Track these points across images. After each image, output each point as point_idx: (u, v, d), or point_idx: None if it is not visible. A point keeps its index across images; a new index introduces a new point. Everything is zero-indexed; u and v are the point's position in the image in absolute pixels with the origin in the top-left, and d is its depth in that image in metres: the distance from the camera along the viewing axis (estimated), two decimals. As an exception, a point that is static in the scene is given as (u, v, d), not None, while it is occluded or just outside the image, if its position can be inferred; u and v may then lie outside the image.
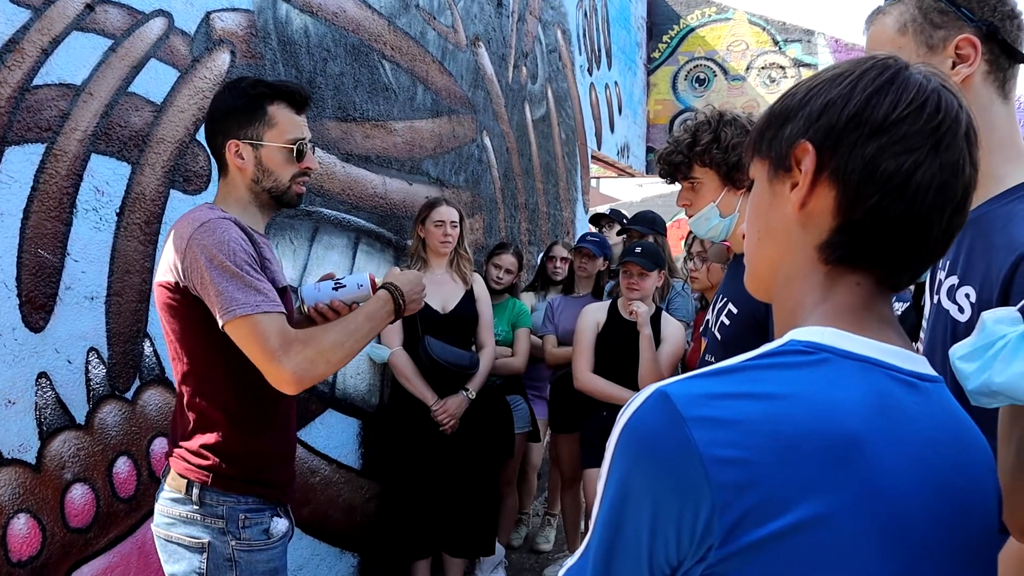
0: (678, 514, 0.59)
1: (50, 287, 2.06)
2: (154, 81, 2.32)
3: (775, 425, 0.60)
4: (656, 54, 7.76)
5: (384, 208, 3.33)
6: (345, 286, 1.81)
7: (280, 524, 1.73)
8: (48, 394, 2.06)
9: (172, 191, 2.38)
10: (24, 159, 2.00)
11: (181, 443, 1.69)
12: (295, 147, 1.74)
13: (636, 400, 0.64)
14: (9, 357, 1.97)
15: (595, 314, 3.47)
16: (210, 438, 1.67)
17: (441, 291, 3.34)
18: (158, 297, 1.68)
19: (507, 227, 4.28)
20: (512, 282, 3.86)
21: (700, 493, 0.58)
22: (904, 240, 0.68)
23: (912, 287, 3.24)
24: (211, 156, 1.73)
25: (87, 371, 2.16)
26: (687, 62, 7.68)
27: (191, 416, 1.68)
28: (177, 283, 1.62)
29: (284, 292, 1.76)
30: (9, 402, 1.98)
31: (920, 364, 0.70)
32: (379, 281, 1.83)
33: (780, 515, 0.58)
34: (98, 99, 2.16)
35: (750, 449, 0.59)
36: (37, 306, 2.02)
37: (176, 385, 1.72)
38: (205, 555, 1.63)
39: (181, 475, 1.67)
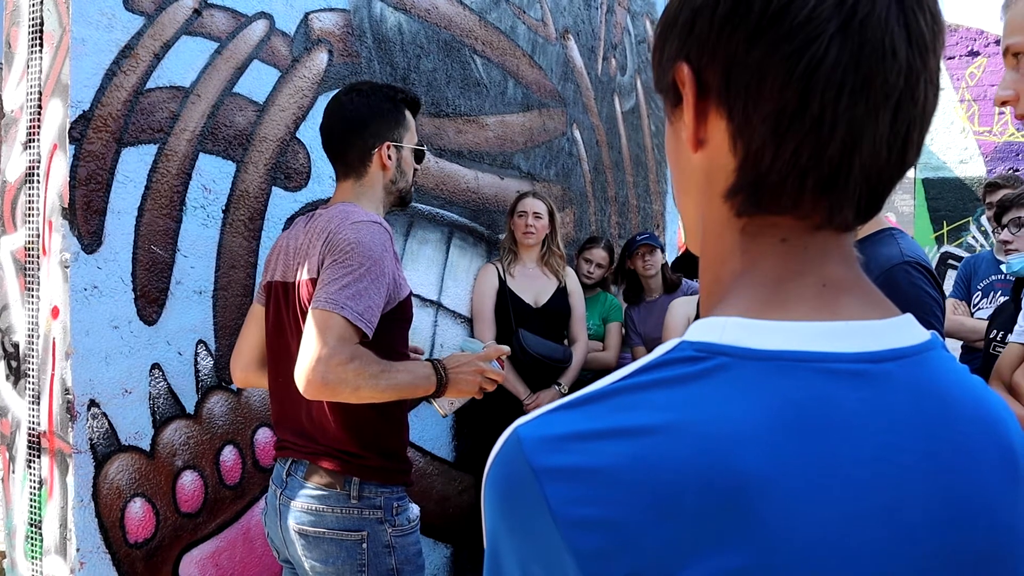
0: None
1: (162, 282, 2.15)
2: (256, 81, 2.39)
3: (646, 472, 0.46)
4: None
5: (476, 203, 3.35)
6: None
7: (415, 508, 1.84)
8: (160, 384, 2.16)
9: (274, 188, 2.45)
10: (138, 159, 2.09)
11: (325, 442, 1.72)
12: (422, 149, 1.92)
13: (499, 441, 0.52)
14: (126, 349, 2.07)
15: (684, 308, 3.35)
16: (365, 434, 1.73)
17: (533, 285, 3.34)
18: (305, 296, 1.70)
19: (597, 220, 4.24)
20: (603, 276, 3.81)
21: (564, 563, 0.47)
22: (825, 164, 0.51)
23: (1012, 279, 3.00)
24: (339, 159, 1.84)
25: (196, 363, 2.25)
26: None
27: (339, 415, 1.71)
28: None
29: (408, 298, 1.81)
30: (126, 391, 2.07)
31: (882, 335, 0.52)
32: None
33: None
34: (205, 100, 2.24)
35: (615, 506, 0.46)
36: (151, 300, 2.12)
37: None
38: (365, 545, 1.72)
39: (335, 471, 1.71)
